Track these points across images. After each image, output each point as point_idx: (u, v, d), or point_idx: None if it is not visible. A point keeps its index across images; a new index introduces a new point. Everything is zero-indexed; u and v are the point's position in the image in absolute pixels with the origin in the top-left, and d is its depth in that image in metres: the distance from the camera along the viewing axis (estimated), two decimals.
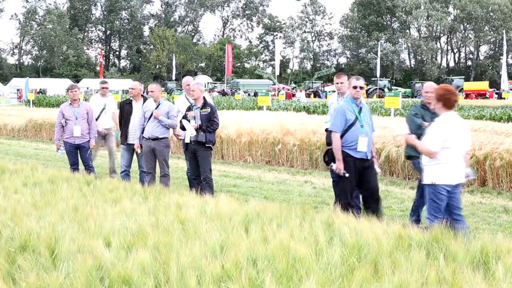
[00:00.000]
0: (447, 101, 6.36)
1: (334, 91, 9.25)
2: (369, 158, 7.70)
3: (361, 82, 7.76)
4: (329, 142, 7.87)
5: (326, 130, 7.87)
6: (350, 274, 3.71)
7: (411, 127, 7.57)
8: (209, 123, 9.47)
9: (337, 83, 9.03)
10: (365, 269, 3.78)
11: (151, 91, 10.13)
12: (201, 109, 9.52)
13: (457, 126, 6.47)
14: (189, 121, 9.43)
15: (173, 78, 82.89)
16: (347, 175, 7.42)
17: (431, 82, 8.23)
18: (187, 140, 9.50)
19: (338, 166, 7.44)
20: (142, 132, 10.04)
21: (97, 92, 12.30)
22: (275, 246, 4.21)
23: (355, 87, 7.66)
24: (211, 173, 9.69)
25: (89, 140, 10.93)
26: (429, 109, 7.65)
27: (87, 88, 69.21)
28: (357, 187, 7.74)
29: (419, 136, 6.76)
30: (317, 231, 4.70)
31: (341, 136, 7.55)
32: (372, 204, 7.62)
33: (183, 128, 9.58)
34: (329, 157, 7.76)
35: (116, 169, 11.82)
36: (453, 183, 6.41)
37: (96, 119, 11.47)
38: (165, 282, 3.55)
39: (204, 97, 9.71)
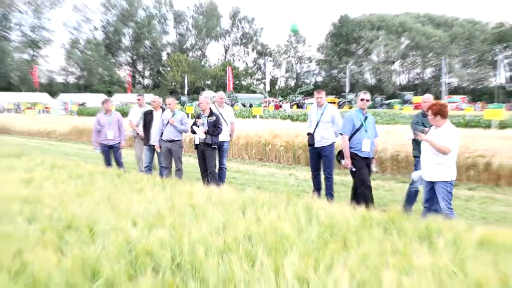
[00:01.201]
0: (443, 113, 6.36)
1: (313, 103, 9.25)
2: (370, 157, 7.76)
3: (368, 95, 7.83)
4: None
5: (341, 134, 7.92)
6: (324, 247, 3.72)
7: (414, 132, 7.49)
8: (214, 129, 9.51)
9: (317, 97, 9.01)
10: (336, 243, 3.80)
11: (169, 104, 10.31)
12: (208, 117, 9.59)
13: (457, 132, 6.53)
14: (198, 126, 9.50)
15: (186, 93, 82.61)
16: (354, 169, 7.55)
17: (428, 94, 8.30)
18: (197, 142, 9.57)
19: (346, 162, 7.60)
20: (161, 136, 10.14)
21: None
22: (266, 225, 4.23)
23: (362, 99, 7.74)
24: (215, 168, 9.72)
25: (120, 142, 11.05)
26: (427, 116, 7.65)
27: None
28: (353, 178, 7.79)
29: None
30: (299, 214, 4.71)
31: (349, 139, 7.68)
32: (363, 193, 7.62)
33: (193, 132, 9.61)
34: (340, 155, 7.89)
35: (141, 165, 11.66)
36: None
37: (137, 125, 11.42)
38: (179, 254, 3.56)
39: (210, 108, 9.76)
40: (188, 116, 19.62)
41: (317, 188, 9.09)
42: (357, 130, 7.62)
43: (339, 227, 4.25)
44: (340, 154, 7.91)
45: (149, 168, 10.85)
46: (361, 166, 7.63)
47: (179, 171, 10.13)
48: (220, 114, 10.16)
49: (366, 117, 7.77)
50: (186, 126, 10.21)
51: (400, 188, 10.44)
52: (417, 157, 7.68)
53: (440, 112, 6.35)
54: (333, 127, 8.88)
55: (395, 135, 13.89)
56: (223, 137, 10.07)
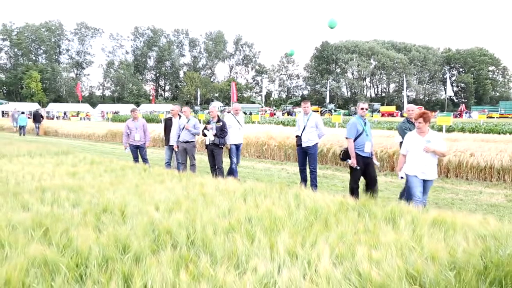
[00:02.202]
0: (429, 120, 6.15)
1: (301, 111, 9.22)
2: (370, 156, 7.51)
3: (366, 105, 7.63)
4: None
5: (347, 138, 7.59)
6: (310, 227, 3.71)
7: (402, 136, 7.39)
8: (221, 132, 9.55)
9: (304, 107, 8.94)
10: (319, 224, 3.79)
11: (184, 112, 10.32)
12: (216, 123, 9.60)
13: None
14: (208, 130, 9.53)
15: (198, 103, 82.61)
16: (358, 167, 7.30)
17: (412, 104, 8.01)
18: (207, 143, 9.59)
19: (353, 161, 7.29)
20: (178, 137, 10.20)
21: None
22: (263, 210, 4.21)
23: (362, 108, 7.48)
24: (222, 164, 9.70)
25: (145, 143, 11.04)
26: (412, 122, 7.44)
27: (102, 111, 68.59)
28: (362, 175, 7.48)
29: None
30: (289, 200, 4.69)
31: (353, 141, 7.41)
32: (371, 186, 7.37)
33: (204, 135, 9.64)
34: (343, 155, 7.58)
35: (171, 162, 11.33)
36: None
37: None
38: (193, 233, 3.54)
39: (218, 115, 9.76)
40: (200, 122, 19.62)
41: (304, 180, 9.00)
42: (360, 134, 7.37)
43: (321, 211, 4.23)
44: (345, 154, 7.57)
45: (168, 164, 10.82)
46: (361, 166, 7.37)
47: (193, 166, 10.12)
48: (237, 121, 10.13)
49: (365, 123, 7.53)
50: (198, 130, 10.21)
51: None
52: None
53: (429, 119, 6.14)
54: (317, 130, 8.86)
55: None
56: (241, 139, 10.21)
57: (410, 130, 7.27)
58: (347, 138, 7.46)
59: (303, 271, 2.79)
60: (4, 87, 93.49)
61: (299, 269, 2.77)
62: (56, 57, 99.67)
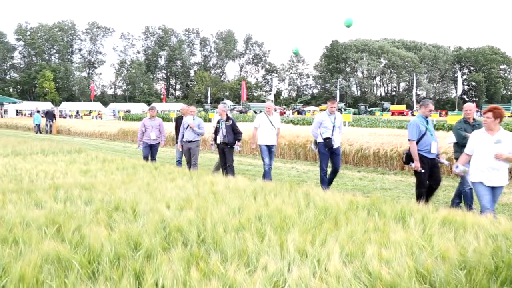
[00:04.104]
0: (502, 116, 5.37)
1: (322, 111, 8.75)
2: (436, 157, 6.92)
3: (433, 107, 7.06)
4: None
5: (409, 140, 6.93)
6: (319, 226, 3.70)
7: (457, 137, 7.06)
8: (236, 135, 9.51)
9: (332, 106, 8.48)
10: (329, 223, 3.78)
11: (191, 111, 10.27)
12: (226, 121, 9.53)
13: None
14: (220, 130, 9.48)
15: (209, 102, 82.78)
16: (423, 171, 6.73)
17: (470, 103, 7.42)
18: (218, 142, 9.52)
19: (417, 165, 6.71)
20: (182, 137, 10.14)
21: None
22: (273, 208, 4.21)
23: (430, 110, 6.91)
24: (233, 162, 9.67)
25: (159, 142, 10.95)
26: (469, 123, 7.09)
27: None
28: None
29: (464, 144, 6.15)
30: (299, 199, 4.69)
31: (417, 143, 6.78)
32: (435, 189, 6.99)
33: (217, 134, 9.57)
34: (406, 158, 6.95)
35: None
36: None
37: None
38: (203, 231, 3.55)
39: (227, 114, 9.70)
40: (211, 121, 19.63)
41: (329, 184, 8.59)
42: (424, 134, 6.77)
43: (331, 210, 4.22)
44: (408, 157, 6.92)
45: (179, 162, 10.83)
46: (425, 169, 6.77)
47: (194, 165, 10.03)
48: (270, 121, 9.45)
49: (427, 122, 6.91)
50: (202, 130, 10.20)
51: (381, 178, 10.39)
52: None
53: (501, 115, 5.34)
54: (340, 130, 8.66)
55: (376, 136, 13.84)
56: (273, 140, 9.57)
57: (466, 131, 6.88)
58: (409, 140, 6.88)
59: (313, 270, 2.78)
60: (18, 86, 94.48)
61: (309, 268, 2.76)
62: (69, 56, 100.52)
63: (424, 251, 3.06)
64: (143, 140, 10.84)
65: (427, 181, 6.89)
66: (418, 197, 6.76)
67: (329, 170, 8.69)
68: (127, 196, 4.87)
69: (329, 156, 8.52)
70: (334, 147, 8.42)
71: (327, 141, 8.38)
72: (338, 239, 3.30)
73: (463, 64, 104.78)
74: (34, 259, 2.79)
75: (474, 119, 7.25)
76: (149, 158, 10.73)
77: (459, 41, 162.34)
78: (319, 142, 8.59)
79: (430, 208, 4.30)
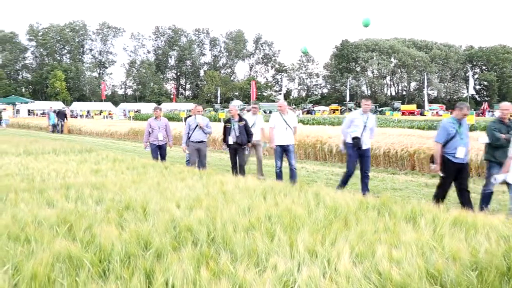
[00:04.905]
0: None
1: (355, 110, 8.39)
2: (465, 162, 6.63)
3: (468, 111, 6.77)
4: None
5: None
6: (329, 226, 3.69)
7: (490, 137, 6.79)
8: (248, 136, 9.47)
9: (365, 104, 8.14)
10: (339, 222, 3.77)
11: (198, 111, 10.14)
12: (238, 122, 9.48)
13: None
14: (232, 130, 9.43)
15: (218, 102, 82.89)
16: (441, 174, 6.56)
17: (507, 102, 7.17)
18: (231, 142, 9.47)
19: (435, 167, 6.59)
20: (188, 138, 9.85)
21: (248, 111, 11.28)
22: (283, 208, 4.21)
23: (465, 114, 6.62)
24: (245, 164, 9.61)
25: (166, 143, 10.83)
26: (504, 123, 6.80)
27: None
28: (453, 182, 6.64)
29: (497, 146, 6.13)
30: (309, 199, 4.68)
31: (444, 146, 6.55)
32: (462, 196, 6.68)
33: (228, 134, 9.51)
34: (432, 159, 6.82)
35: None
36: None
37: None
38: (213, 230, 3.56)
39: (239, 114, 9.66)
40: (220, 120, 19.65)
41: (344, 184, 8.20)
42: (453, 137, 6.54)
43: (341, 210, 4.21)
44: (433, 159, 6.79)
45: (189, 162, 10.81)
46: (450, 173, 6.56)
47: (204, 166, 9.83)
48: (284, 120, 9.12)
49: (460, 124, 6.64)
50: (210, 129, 10.06)
51: (391, 178, 10.34)
52: (489, 160, 6.82)
53: None
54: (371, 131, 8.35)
55: (386, 136, 13.76)
56: (289, 140, 9.16)
57: (501, 132, 6.65)
58: (435, 141, 6.74)
59: (323, 270, 2.78)
60: (30, 86, 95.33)
61: (319, 268, 2.76)
62: (80, 56, 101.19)
63: (435, 252, 3.04)
64: (151, 142, 10.66)
65: (455, 186, 6.65)
66: (435, 197, 6.64)
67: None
68: (137, 196, 4.89)
69: (357, 157, 8.13)
70: (362, 148, 8.07)
71: (355, 140, 8.03)
72: (348, 239, 3.29)
73: (474, 63, 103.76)
74: (46, 258, 2.82)
75: (509, 118, 6.90)
76: (159, 158, 10.60)
77: (471, 40, 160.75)
78: (347, 142, 8.27)
79: (441, 208, 4.28)
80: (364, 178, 8.21)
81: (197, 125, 9.79)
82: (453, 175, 6.59)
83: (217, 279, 2.63)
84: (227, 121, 9.74)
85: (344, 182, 8.19)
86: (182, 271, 2.67)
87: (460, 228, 3.65)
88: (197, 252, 3.06)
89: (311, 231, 3.50)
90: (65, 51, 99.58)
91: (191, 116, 10.79)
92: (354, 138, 8.05)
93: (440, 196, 6.67)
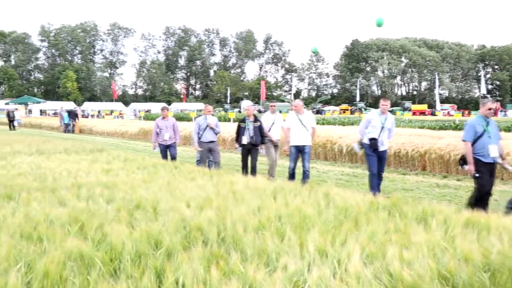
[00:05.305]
0: None
1: (372, 110, 8.20)
2: (496, 162, 6.37)
3: (495, 105, 6.63)
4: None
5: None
6: (339, 226, 3.68)
7: None
8: (262, 137, 9.47)
9: (383, 105, 7.88)
10: (349, 223, 3.75)
11: (208, 110, 10.12)
12: (254, 122, 9.47)
13: None
14: (246, 130, 9.40)
15: (228, 102, 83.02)
16: (477, 175, 6.22)
17: None
18: (245, 142, 9.42)
19: (470, 168, 6.27)
20: (199, 138, 9.85)
21: (266, 111, 11.16)
22: (293, 208, 4.20)
23: (489, 109, 6.37)
24: (257, 164, 9.62)
25: (175, 142, 10.78)
26: None
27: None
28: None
29: None
30: (319, 199, 4.67)
31: (472, 145, 6.31)
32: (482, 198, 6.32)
33: (242, 134, 9.47)
34: (462, 160, 6.55)
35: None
36: None
37: (269, 131, 9.87)
38: (223, 230, 3.56)
39: (254, 114, 9.64)
40: (230, 120, 19.63)
41: (377, 186, 7.87)
42: (480, 136, 6.28)
43: (351, 210, 4.19)
44: (464, 159, 6.52)
45: (199, 162, 10.82)
46: (483, 172, 6.25)
47: (218, 164, 9.89)
48: (300, 120, 8.86)
49: (488, 122, 6.36)
50: (219, 129, 10.10)
51: (402, 179, 10.28)
52: None
53: None
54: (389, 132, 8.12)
55: (397, 136, 13.65)
56: (304, 140, 8.87)
57: None
58: (463, 140, 6.47)
59: (333, 270, 2.77)
60: (42, 87, 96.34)
61: (329, 268, 2.75)
62: (91, 57, 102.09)
63: (447, 253, 3.01)
64: (159, 142, 10.62)
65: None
66: (472, 201, 6.31)
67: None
68: (148, 195, 4.91)
69: (376, 157, 7.88)
70: (379, 150, 7.84)
71: (372, 142, 7.80)
72: (359, 239, 3.28)
73: (487, 62, 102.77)
74: (58, 256, 2.84)
75: None
76: (169, 158, 10.53)
77: (483, 39, 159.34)
78: (364, 143, 8.04)
79: (452, 209, 4.24)
80: (378, 179, 8.01)
81: (207, 126, 9.80)
82: (488, 173, 6.30)
83: (227, 278, 2.64)
84: (242, 120, 9.68)
85: (374, 186, 7.85)
86: (192, 271, 2.68)
87: (472, 229, 3.62)
88: (207, 251, 3.06)
89: (321, 231, 3.49)
90: (77, 51, 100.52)
91: (201, 116, 10.80)
92: (371, 139, 7.84)
93: (479, 200, 6.29)
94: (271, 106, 10.41)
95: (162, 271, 2.75)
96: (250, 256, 3.03)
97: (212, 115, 10.68)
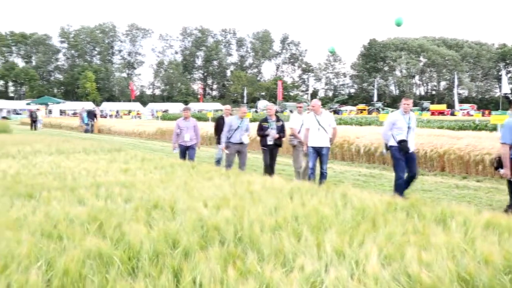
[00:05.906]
0: None
1: (393, 111, 7.97)
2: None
3: None
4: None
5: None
6: (357, 227, 3.65)
7: None
8: (282, 133, 9.50)
9: (405, 104, 7.64)
10: (367, 224, 3.72)
11: (244, 112, 9.88)
12: (276, 122, 9.50)
13: None
14: (271, 129, 9.41)
15: (245, 102, 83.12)
16: None
17: None
18: (270, 142, 9.40)
19: (506, 171, 5.93)
20: (229, 138, 9.60)
21: (292, 112, 11.09)
22: (310, 208, 4.18)
23: None
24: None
25: (196, 143, 10.65)
26: None
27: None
28: None
29: None
30: (336, 199, 4.64)
31: (510, 148, 5.94)
32: None
33: (266, 135, 9.42)
34: (497, 163, 6.19)
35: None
36: None
37: (298, 132, 9.55)
38: (240, 230, 3.56)
39: (276, 114, 9.65)
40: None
41: (402, 192, 7.40)
42: None
43: (369, 211, 4.16)
44: (499, 162, 6.14)
45: (218, 162, 10.84)
46: None
47: (244, 165, 9.75)
48: (317, 120, 8.66)
49: None
50: (249, 131, 9.88)
51: (420, 179, 10.13)
52: None
53: None
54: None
55: (416, 136, 13.49)
56: (322, 142, 8.67)
57: None
58: (502, 143, 6.05)
59: (351, 271, 2.75)
60: (62, 87, 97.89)
61: (347, 269, 2.73)
62: (110, 57, 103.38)
63: (466, 255, 2.97)
64: (179, 143, 10.51)
65: None
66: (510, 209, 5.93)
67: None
68: (165, 195, 4.94)
69: (405, 160, 7.60)
70: (409, 151, 7.60)
71: (403, 144, 7.51)
72: (376, 240, 3.25)
73: (508, 61, 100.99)
74: (77, 254, 2.88)
75: None
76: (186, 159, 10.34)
77: (504, 38, 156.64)
78: (391, 146, 7.75)
79: (472, 210, 4.17)
80: (410, 181, 7.74)
81: (238, 127, 9.54)
82: None
83: (244, 278, 2.64)
84: (264, 120, 9.63)
85: (400, 189, 7.49)
86: (210, 270, 2.69)
87: (493, 231, 3.56)
88: (224, 251, 3.07)
89: (339, 232, 3.47)
90: (95, 52, 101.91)
91: (223, 116, 10.71)
92: (400, 142, 7.55)
93: None
94: (299, 107, 10.06)
95: (179, 270, 2.77)
96: (267, 256, 3.02)
97: (230, 114, 10.69)
